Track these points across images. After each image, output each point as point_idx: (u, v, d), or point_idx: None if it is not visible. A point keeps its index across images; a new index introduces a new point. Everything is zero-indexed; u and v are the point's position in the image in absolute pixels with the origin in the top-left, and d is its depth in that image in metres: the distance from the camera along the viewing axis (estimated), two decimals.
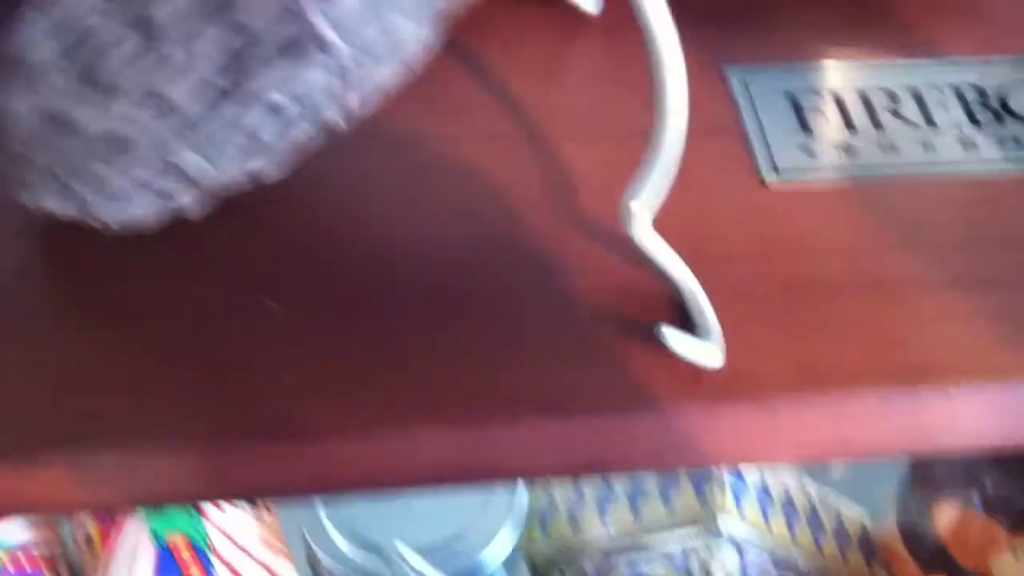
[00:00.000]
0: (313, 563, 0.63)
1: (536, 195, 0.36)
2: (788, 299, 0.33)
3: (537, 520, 0.65)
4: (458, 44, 0.39)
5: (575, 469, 0.33)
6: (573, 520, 0.64)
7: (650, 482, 0.63)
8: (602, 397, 0.31)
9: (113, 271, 0.34)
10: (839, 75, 0.40)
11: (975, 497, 0.60)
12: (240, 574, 0.59)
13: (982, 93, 0.39)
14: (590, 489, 0.65)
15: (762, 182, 0.36)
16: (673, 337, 0.31)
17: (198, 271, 0.34)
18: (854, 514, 0.68)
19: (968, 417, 0.32)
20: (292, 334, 0.32)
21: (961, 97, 0.39)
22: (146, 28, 0.28)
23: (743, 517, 0.60)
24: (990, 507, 0.60)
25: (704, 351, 0.31)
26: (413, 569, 0.60)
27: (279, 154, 0.31)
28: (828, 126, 0.38)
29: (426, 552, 0.61)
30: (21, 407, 0.31)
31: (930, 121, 0.38)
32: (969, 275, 0.34)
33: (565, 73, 0.42)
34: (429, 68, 0.33)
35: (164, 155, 0.30)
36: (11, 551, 0.58)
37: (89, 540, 0.60)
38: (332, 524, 0.62)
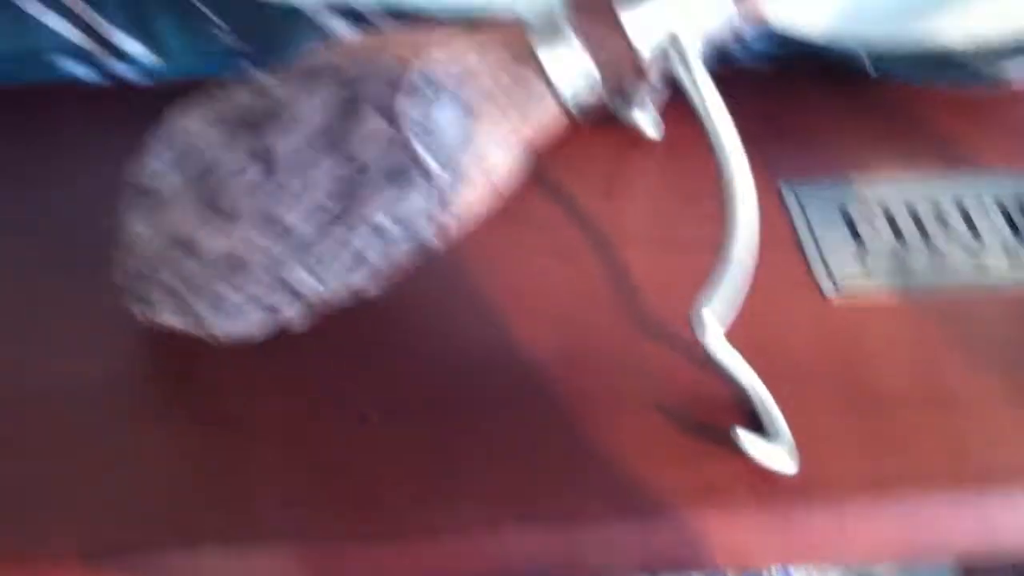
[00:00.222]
0: None
1: (606, 302, 0.39)
2: (855, 407, 0.35)
3: None
4: (532, 164, 0.42)
5: (652, 567, 0.35)
6: None
7: None
8: (677, 497, 0.33)
9: (218, 379, 0.36)
10: (887, 189, 0.42)
11: None
12: None
13: (1023, 205, 0.42)
14: None
15: (821, 294, 0.39)
16: (748, 440, 0.33)
17: (297, 379, 0.36)
18: None
19: None
20: (386, 440, 0.34)
21: (1003, 208, 0.41)
22: (266, 159, 0.31)
23: None
24: None
25: (775, 455, 0.33)
26: None
27: (379, 272, 0.34)
28: (879, 238, 0.40)
29: None
30: (133, 508, 0.33)
31: (975, 232, 0.40)
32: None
33: (628, 190, 0.45)
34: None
35: (277, 273, 0.33)
36: None
37: None
38: None
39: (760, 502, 0.33)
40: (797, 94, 0.47)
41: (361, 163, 0.31)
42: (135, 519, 0.32)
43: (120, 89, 0.48)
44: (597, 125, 0.44)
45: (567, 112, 0.33)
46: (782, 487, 0.33)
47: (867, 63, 0.46)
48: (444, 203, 0.32)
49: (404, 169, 0.31)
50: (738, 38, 0.33)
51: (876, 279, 0.39)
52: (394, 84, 0.31)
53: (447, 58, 0.31)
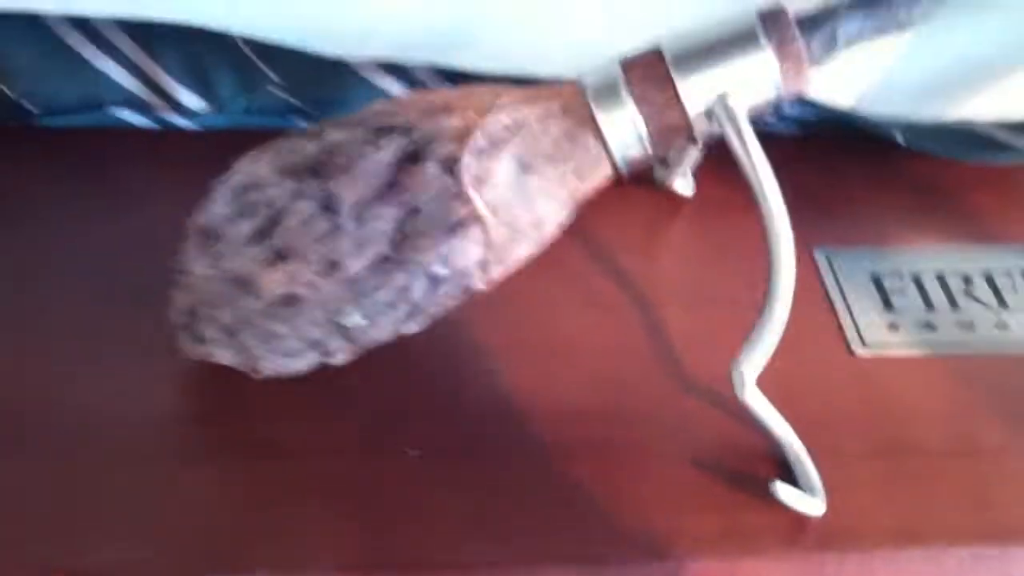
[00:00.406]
0: None
1: (641, 354, 0.40)
2: (882, 458, 0.36)
3: None
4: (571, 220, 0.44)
5: None
6: None
7: None
8: (709, 544, 0.34)
9: (264, 413, 0.37)
10: (917, 258, 0.44)
11: None
12: None
13: None
14: None
15: (850, 350, 0.40)
16: (784, 491, 0.34)
17: (341, 413, 0.38)
18: None
19: None
20: (424, 475, 0.36)
21: None
22: (333, 208, 0.33)
23: None
24: None
25: (809, 504, 0.34)
26: None
27: (429, 316, 0.35)
28: (909, 304, 0.42)
29: None
30: (181, 539, 0.34)
31: (1002, 302, 0.42)
32: None
33: (663, 247, 0.47)
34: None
35: (334, 317, 0.34)
36: None
37: None
38: None
39: (791, 549, 0.34)
40: (828, 161, 0.48)
41: (423, 214, 0.33)
42: (183, 550, 0.33)
43: (169, 133, 0.50)
44: (633, 182, 0.46)
45: (617, 172, 0.34)
46: (813, 535, 0.34)
47: (897, 135, 0.48)
48: (497, 254, 0.34)
49: (464, 221, 0.33)
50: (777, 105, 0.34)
51: (904, 338, 0.41)
52: (458, 140, 0.33)
53: (509, 117, 0.33)
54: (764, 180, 0.32)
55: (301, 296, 0.34)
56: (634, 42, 0.35)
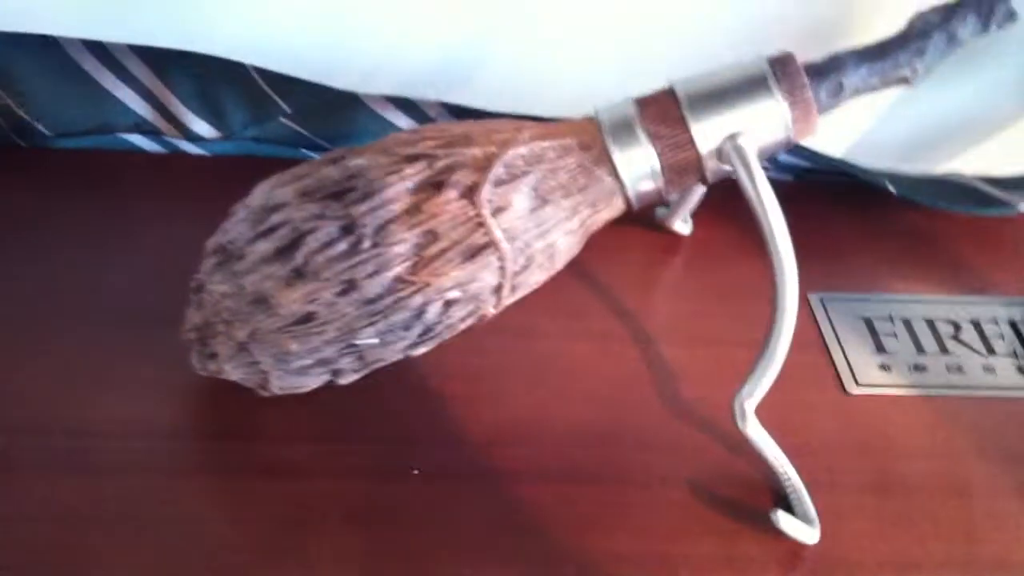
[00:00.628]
0: None
1: (640, 386, 0.41)
2: (875, 493, 0.37)
3: None
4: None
5: None
6: None
7: None
8: (708, 570, 0.35)
9: (272, 430, 0.38)
10: (908, 305, 0.46)
11: None
12: None
13: None
14: None
15: (843, 388, 0.42)
16: (785, 521, 0.35)
17: (345, 434, 0.38)
18: None
19: None
20: (429, 496, 0.36)
21: (1015, 329, 0.45)
22: (355, 232, 0.34)
23: None
24: None
25: (805, 533, 0.35)
26: None
27: (440, 339, 0.36)
28: (900, 347, 0.43)
29: None
30: (187, 554, 0.34)
31: (990, 349, 0.43)
32: None
33: (660, 284, 0.48)
34: None
35: (349, 337, 0.35)
36: None
37: None
38: None
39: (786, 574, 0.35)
40: (821, 209, 0.50)
41: (443, 241, 0.34)
42: (188, 565, 0.34)
43: (179, 158, 0.51)
44: (633, 222, 0.48)
45: (629, 205, 0.36)
46: (808, 564, 0.35)
47: (888, 184, 0.50)
48: (511, 281, 0.35)
49: (481, 248, 0.34)
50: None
51: (895, 379, 0.42)
52: (479, 170, 0.34)
53: (527, 150, 0.34)
54: (773, 218, 0.33)
55: (318, 315, 0.34)
56: (638, 82, 0.36)
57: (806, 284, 0.43)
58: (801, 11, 0.47)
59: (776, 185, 0.34)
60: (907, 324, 0.45)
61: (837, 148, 0.53)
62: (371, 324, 0.34)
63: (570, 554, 0.35)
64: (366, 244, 0.34)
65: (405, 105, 0.49)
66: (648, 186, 0.35)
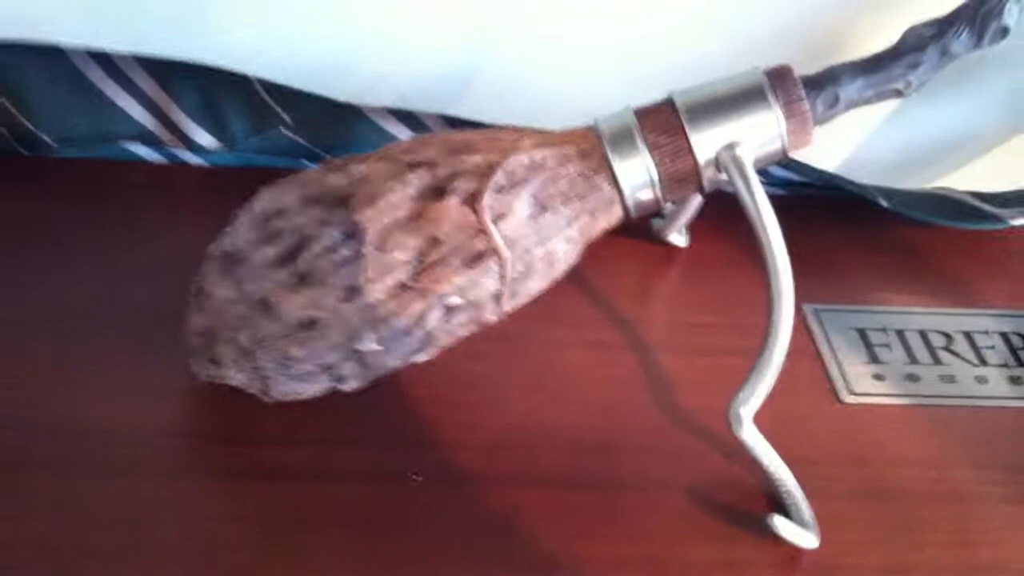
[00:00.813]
0: None
1: (636, 393, 0.42)
2: (869, 499, 0.38)
3: None
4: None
5: None
6: None
7: None
8: (703, 573, 0.35)
9: (272, 435, 0.38)
10: (901, 317, 0.46)
11: None
12: None
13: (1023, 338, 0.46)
14: None
15: (837, 396, 0.42)
16: (783, 525, 0.35)
17: (349, 437, 0.39)
18: None
19: None
20: (428, 502, 0.37)
21: (1007, 341, 0.45)
22: (358, 238, 0.34)
23: None
24: None
25: (803, 538, 0.36)
26: None
27: (440, 345, 0.37)
28: (893, 357, 0.44)
29: None
30: (187, 556, 0.34)
31: (982, 360, 0.44)
32: None
33: (657, 294, 0.48)
34: None
35: (351, 343, 0.35)
36: None
37: None
38: None
39: None
40: (815, 222, 0.51)
41: (444, 247, 0.34)
42: (188, 565, 0.34)
43: (181, 168, 0.52)
44: (630, 234, 0.48)
45: (628, 214, 0.36)
46: (803, 567, 0.36)
47: (881, 199, 0.50)
48: (511, 288, 0.36)
49: (481, 254, 0.34)
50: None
51: (888, 388, 0.42)
52: (480, 178, 0.34)
53: (528, 158, 0.35)
54: (769, 227, 0.34)
55: (321, 320, 0.35)
56: (637, 95, 0.37)
57: (801, 295, 0.44)
58: (798, 26, 0.47)
59: (770, 199, 0.35)
60: (900, 335, 0.45)
61: (830, 163, 0.54)
62: (373, 329, 0.35)
63: (568, 559, 0.35)
64: (368, 249, 0.34)
65: (405, 117, 0.50)
66: (647, 195, 0.36)
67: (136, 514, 0.35)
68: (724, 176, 0.35)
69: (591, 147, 0.35)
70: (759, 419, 0.36)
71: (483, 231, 0.34)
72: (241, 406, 0.38)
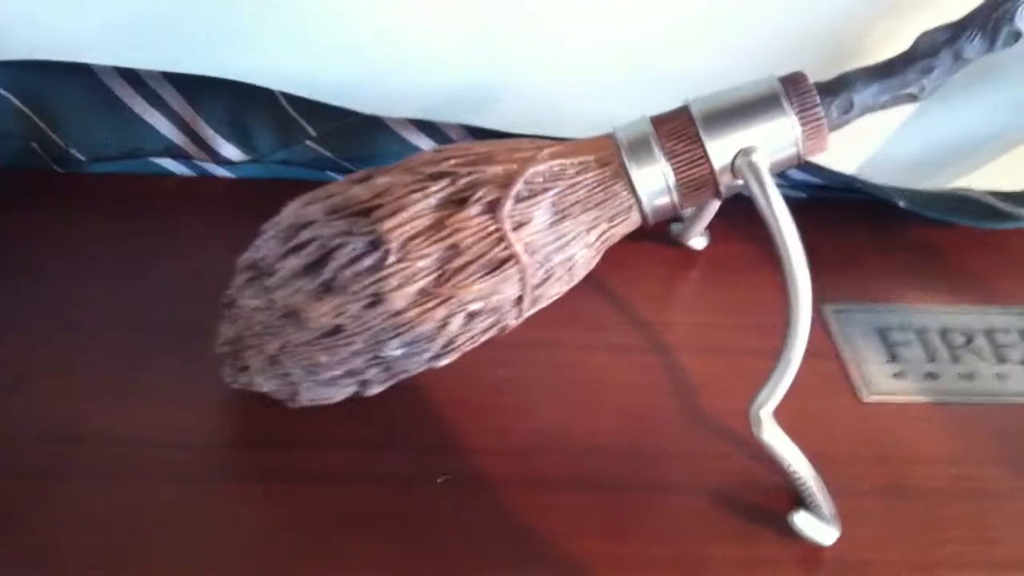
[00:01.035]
0: None
1: (659, 395, 0.43)
2: (890, 496, 0.39)
3: None
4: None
5: None
6: None
7: None
8: (730, 572, 0.36)
9: (301, 438, 0.39)
10: (920, 316, 0.47)
11: None
12: None
13: None
14: None
15: (856, 395, 0.43)
16: (804, 522, 0.36)
17: (374, 443, 0.40)
18: None
19: None
20: (458, 504, 0.37)
21: None
22: (382, 248, 0.35)
23: None
24: None
25: (824, 533, 0.36)
26: None
27: (462, 350, 0.37)
28: (913, 356, 0.44)
29: None
30: (218, 559, 0.35)
31: (1001, 358, 0.44)
32: None
33: (676, 297, 0.49)
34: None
35: (376, 350, 0.36)
36: None
37: None
38: None
39: None
40: (834, 223, 0.51)
41: (465, 255, 0.35)
42: (227, 568, 0.35)
43: (208, 181, 0.53)
44: (650, 238, 0.49)
45: (645, 220, 0.37)
46: (827, 566, 0.36)
47: (899, 200, 0.51)
48: (531, 293, 0.36)
49: (502, 261, 0.35)
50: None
51: (908, 386, 0.43)
52: (501, 187, 0.35)
53: (547, 167, 0.36)
54: (786, 231, 0.35)
55: (345, 327, 0.36)
56: (654, 106, 0.37)
57: (820, 295, 0.45)
58: (811, 32, 0.48)
59: (789, 201, 0.35)
60: (919, 334, 0.46)
61: (848, 166, 0.54)
62: (396, 336, 0.36)
63: (596, 558, 0.36)
64: (392, 259, 0.35)
65: (427, 128, 0.51)
66: (664, 201, 0.36)
67: (174, 518, 0.36)
68: (740, 182, 0.36)
69: (609, 155, 0.36)
70: (779, 419, 0.36)
71: (504, 239, 0.35)
72: (271, 412, 0.39)
